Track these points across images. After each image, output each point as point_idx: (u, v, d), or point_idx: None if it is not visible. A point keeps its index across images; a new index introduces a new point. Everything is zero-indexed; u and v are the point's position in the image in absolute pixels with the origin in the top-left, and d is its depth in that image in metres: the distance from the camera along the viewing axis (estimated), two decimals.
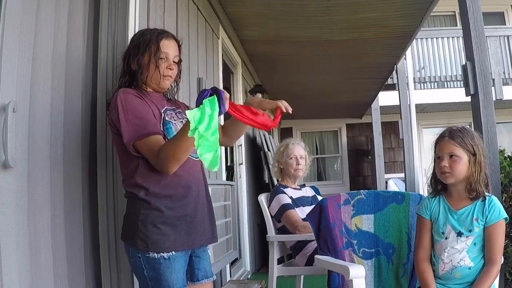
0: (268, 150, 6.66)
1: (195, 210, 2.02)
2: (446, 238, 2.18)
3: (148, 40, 2.05)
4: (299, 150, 3.94)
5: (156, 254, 1.90)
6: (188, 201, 2.00)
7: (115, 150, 2.32)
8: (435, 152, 2.26)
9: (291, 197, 3.71)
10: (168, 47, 2.07)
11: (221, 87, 4.79)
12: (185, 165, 1.96)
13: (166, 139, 1.95)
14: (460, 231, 2.15)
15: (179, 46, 2.15)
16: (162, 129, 1.97)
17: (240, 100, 6.08)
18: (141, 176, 1.94)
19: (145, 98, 2.02)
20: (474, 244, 2.13)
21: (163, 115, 2.03)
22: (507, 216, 2.14)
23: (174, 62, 2.09)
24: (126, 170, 2.01)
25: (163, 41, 2.06)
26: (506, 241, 3.87)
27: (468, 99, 3.37)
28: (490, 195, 2.18)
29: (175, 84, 2.21)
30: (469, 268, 2.12)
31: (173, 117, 2.08)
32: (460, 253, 2.13)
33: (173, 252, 1.92)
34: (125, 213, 2.02)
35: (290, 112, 2.11)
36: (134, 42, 2.10)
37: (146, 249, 1.89)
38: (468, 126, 2.30)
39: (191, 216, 1.99)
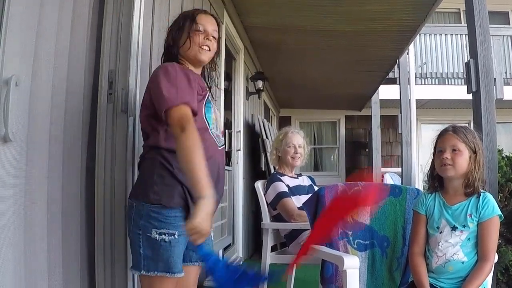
0: (266, 137, 6.66)
1: (217, 177, 2.02)
2: (440, 232, 2.20)
3: (186, 16, 2.13)
4: (298, 139, 3.94)
5: (157, 236, 1.87)
6: (211, 165, 1.92)
7: (115, 129, 2.32)
8: (435, 146, 2.27)
9: (287, 186, 3.72)
10: (205, 20, 2.12)
11: (222, 72, 4.77)
12: (205, 141, 1.94)
13: (205, 116, 2.01)
14: (454, 225, 2.17)
15: (218, 26, 2.20)
16: (204, 105, 2.02)
17: (241, 85, 6.05)
18: (167, 140, 1.94)
19: (190, 73, 2.03)
20: (468, 239, 2.14)
21: (207, 92, 2.10)
22: (501, 214, 2.16)
23: (213, 37, 2.13)
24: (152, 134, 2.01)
25: (200, 15, 2.12)
26: (500, 240, 3.89)
27: (469, 97, 3.37)
28: (484, 191, 2.20)
29: (214, 64, 2.27)
30: (462, 263, 2.13)
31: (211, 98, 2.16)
32: (454, 247, 2.15)
33: (178, 230, 1.88)
34: (140, 171, 2.03)
35: None
36: (174, 22, 2.18)
37: (159, 202, 1.88)
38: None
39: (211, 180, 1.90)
